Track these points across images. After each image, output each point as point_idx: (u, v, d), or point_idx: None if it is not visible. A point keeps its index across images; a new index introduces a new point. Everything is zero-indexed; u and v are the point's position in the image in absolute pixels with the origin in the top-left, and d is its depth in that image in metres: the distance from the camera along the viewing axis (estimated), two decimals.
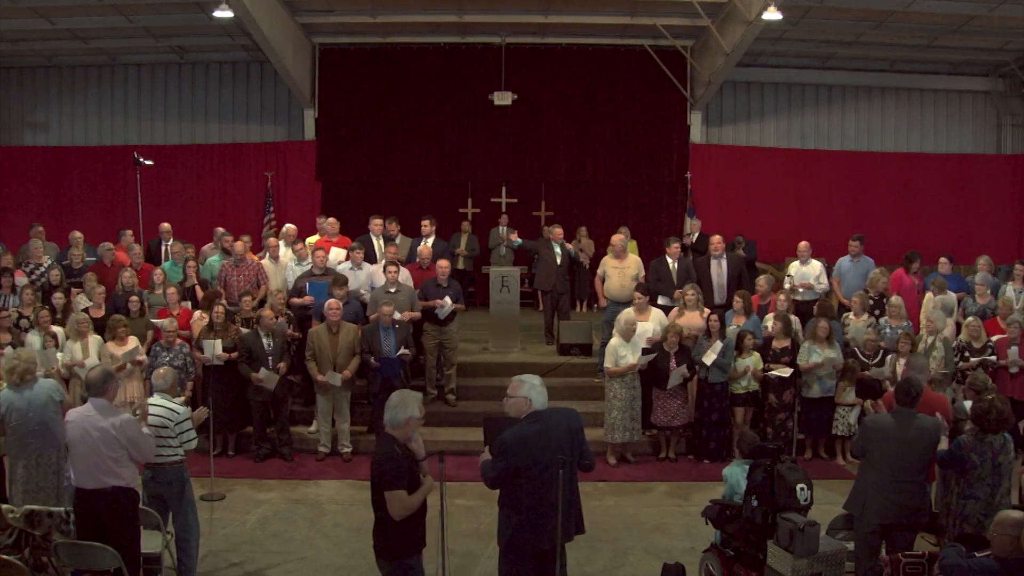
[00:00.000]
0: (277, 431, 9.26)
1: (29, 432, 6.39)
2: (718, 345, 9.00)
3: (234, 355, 9.00)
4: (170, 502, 6.06)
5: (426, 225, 11.23)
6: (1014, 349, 8.73)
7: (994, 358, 8.91)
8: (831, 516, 6.29)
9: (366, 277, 10.19)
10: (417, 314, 9.68)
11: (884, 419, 5.73)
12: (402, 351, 9.07)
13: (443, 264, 10.07)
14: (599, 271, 10.63)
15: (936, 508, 6.18)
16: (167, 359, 8.78)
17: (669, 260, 10.44)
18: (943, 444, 5.82)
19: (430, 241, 11.10)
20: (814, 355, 8.98)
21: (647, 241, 15.17)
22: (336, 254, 10.53)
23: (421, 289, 10.03)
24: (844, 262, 10.88)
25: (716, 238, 10.60)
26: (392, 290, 9.57)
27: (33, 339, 8.77)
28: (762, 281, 10.20)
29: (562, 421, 5.03)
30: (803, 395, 9.12)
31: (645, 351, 9.08)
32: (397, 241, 11.01)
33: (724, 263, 10.45)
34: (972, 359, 8.92)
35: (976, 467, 5.55)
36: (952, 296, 10.02)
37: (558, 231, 12.16)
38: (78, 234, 11.51)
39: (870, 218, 15.43)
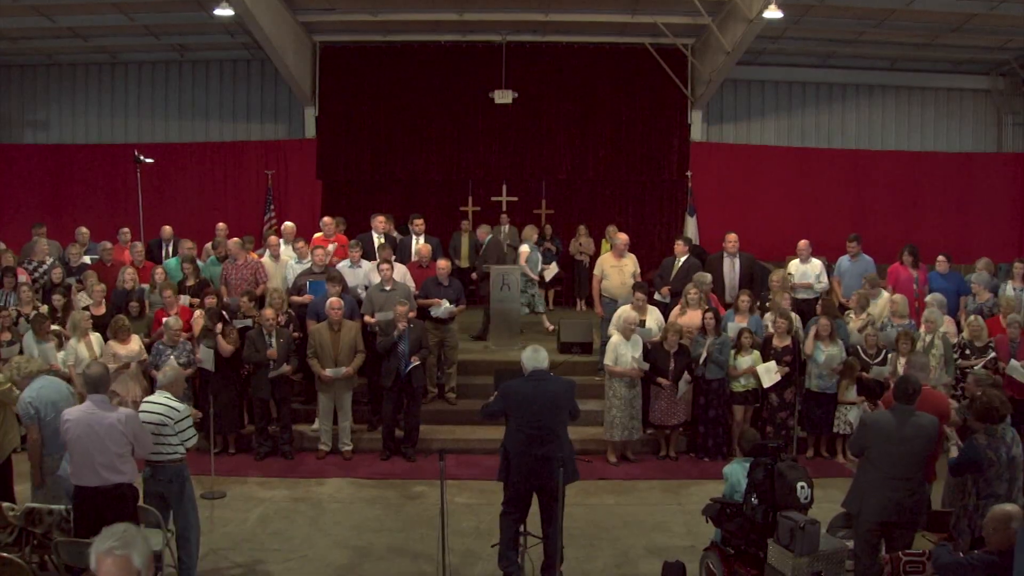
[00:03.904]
0: (279, 429, 9.27)
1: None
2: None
3: (224, 348, 9.00)
4: (171, 500, 6.07)
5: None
6: (1015, 363, 8.68)
7: (993, 355, 8.89)
8: (832, 514, 6.29)
9: (364, 275, 10.19)
10: (413, 313, 9.66)
11: (883, 416, 5.74)
12: (415, 363, 9.05)
13: (443, 264, 10.07)
14: (596, 271, 10.62)
15: (944, 508, 6.17)
16: (171, 357, 8.77)
17: (676, 259, 10.48)
18: (952, 452, 5.80)
19: (422, 239, 11.11)
20: (818, 353, 8.98)
21: (648, 240, 15.17)
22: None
23: (422, 288, 10.04)
24: (844, 261, 10.89)
25: (731, 236, 10.60)
26: (387, 288, 9.57)
27: (30, 339, 8.77)
28: (775, 278, 10.16)
29: (556, 387, 6.23)
30: (805, 387, 9.13)
31: (645, 351, 9.09)
32: (422, 240, 11.02)
33: (737, 261, 10.46)
34: (973, 359, 8.92)
35: (995, 464, 5.54)
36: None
37: (481, 231, 12.20)
38: (84, 230, 11.54)
39: (871, 216, 15.42)
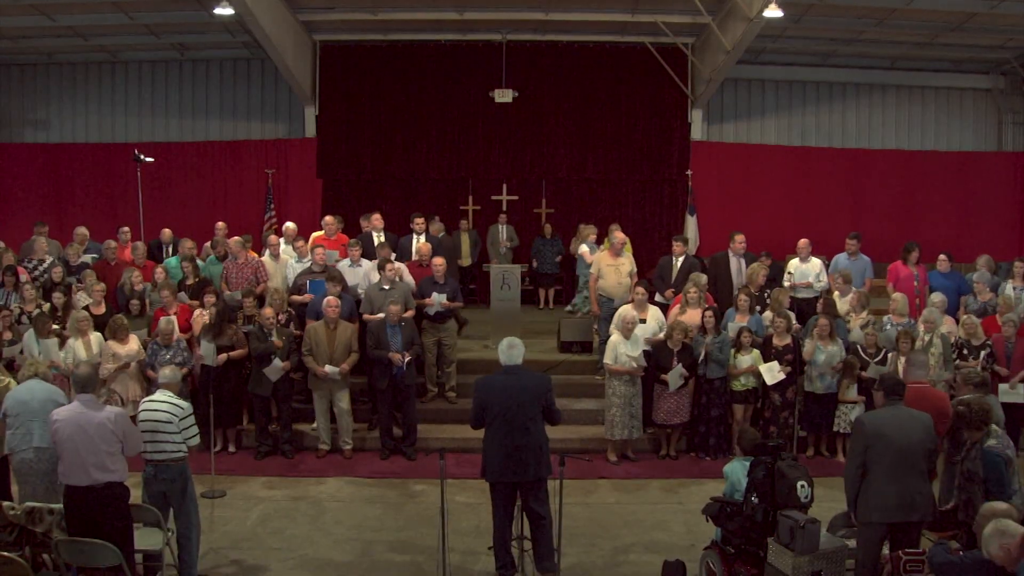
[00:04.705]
0: (279, 428, 9.27)
1: (30, 421, 6.43)
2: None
3: (233, 355, 9.02)
4: (172, 499, 6.08)
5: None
6: (1004, 388, 8.73)
7: (985, 352, 8.92)
8: (832, 514, 6.29)
9: (363, 274, 10.20)
10: (411, 312, 9.67)
11: (878, 414, 5.74)
12: (407, 358, 9.06)
13: (438, 262, 10.07)
14: (592, 270, 10.61)
15: (944, 507, 6.17)
16: (167, 356, 8.79)
17: (674, 259, 10.47)
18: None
19: (423, 238, 11.11)
20: (817, 352, 8.98)
21: (648, 239, 15.16)
22: (331, 253, 10.50)
23: (418, 287, 10.04)
24: (841, 260, 10.84)
25: (739, 237, 10.59)
26: (387, 287, 9.58)
27: (30, 337, 8.79)
28: (760, 270, 10.15)
29: (529, 381, 6.26)
30: (805, 389, 9.13)
31: (645, 353, 9.09)
32: (423, 239, 11.02)
33: (743, 262, 10.46)
34: (970, 359, 8.92)
35: (1012, 463, 5.56)
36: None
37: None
38: (83, 230, 11.55)
39: (871, 216, 15.42)
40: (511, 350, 6.30)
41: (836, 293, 9.94)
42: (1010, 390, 8.72)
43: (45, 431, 6.18)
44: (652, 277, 10.80)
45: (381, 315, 9.24)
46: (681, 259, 10.48)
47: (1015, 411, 8.45)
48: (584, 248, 12.19)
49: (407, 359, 9.04)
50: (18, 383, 6.85)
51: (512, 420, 6.09)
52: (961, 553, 4.66)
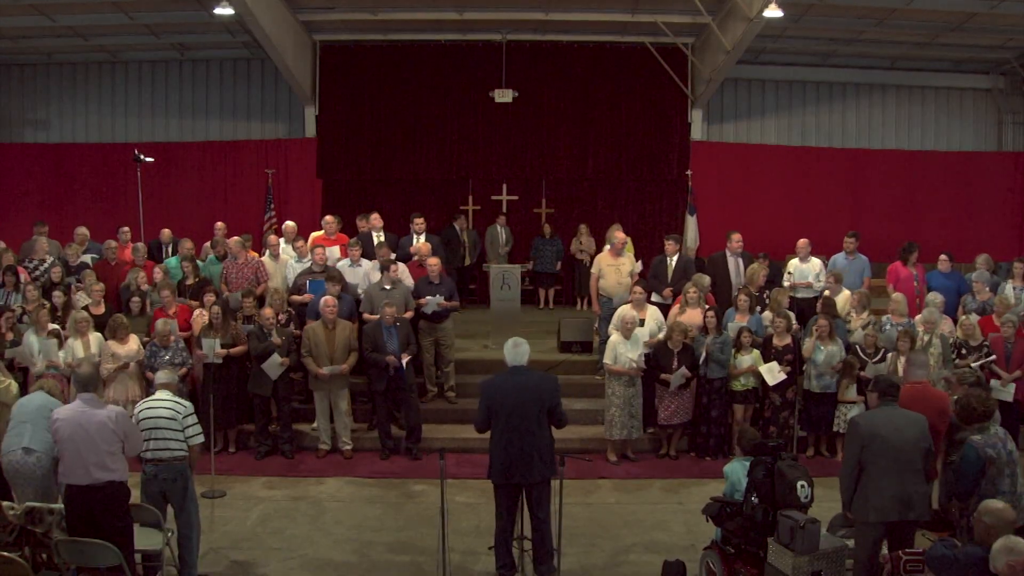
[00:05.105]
0: (279, 428, 9.27)
1: (22, 423, 6.44)
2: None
3: (234, 351, 9.02)
4: (173, 498, 6.08)
5: (419, 223, 11.24)
6: (995, 384, 8.71)
7: (993, 357, 8.91)
8: (832, 514, 6.29)
9: (363, 274, 10.20)
10: (410, 312, 9.67)
11: (873, 414, 5.75)
12: (405, 358, 9.06)
13: (433, 262, 10.06)
14: (593, 269, 10.62)
15: (937, 505, 6.17)
16: (166, 358, 8.79)
17: (668, 258, 10.45)
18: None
19: (422, 238, 11.11)
20: (817, 352, 8.97)
21: (647, 239, 15.15)
22: (332, 252, 10.51)
23: (415, 287, 10.04)
24: (839, 259, 10.84)
25: (736, 236, 10.57)
26: (387, 287, 9.59)
27: (31, 337, 8.79)
28: (760, 270, 10.13)
29: (535, 381, 6.21)
30: (804, 388, 9.12)
31: (646, 355, 9.09)
32: (423, 239, 11.01)
33: (741, 261, 10.46)
34: (969, 358, 8.92)
35: (995, 461, 5.54)
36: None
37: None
38: (83, 230, 11.56)
39: (871, 216, 15.40)
40: (516, 349, 6.26)
41: (827, 292, 9.91)
42: (1001, 387, 8.71)
43: (35, 433, 6.20)
44: (647, 277, 10.78)
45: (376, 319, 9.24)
46: (675, 258, 10.46)
47: (1007, 410, 8.43)
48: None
49: (405, 360, 9.04)
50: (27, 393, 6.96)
51: (519, 421, 6.06)
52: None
